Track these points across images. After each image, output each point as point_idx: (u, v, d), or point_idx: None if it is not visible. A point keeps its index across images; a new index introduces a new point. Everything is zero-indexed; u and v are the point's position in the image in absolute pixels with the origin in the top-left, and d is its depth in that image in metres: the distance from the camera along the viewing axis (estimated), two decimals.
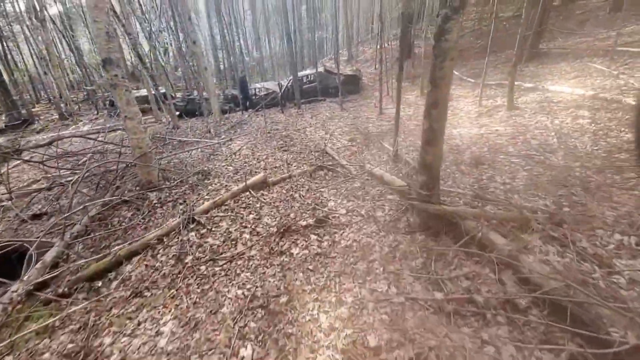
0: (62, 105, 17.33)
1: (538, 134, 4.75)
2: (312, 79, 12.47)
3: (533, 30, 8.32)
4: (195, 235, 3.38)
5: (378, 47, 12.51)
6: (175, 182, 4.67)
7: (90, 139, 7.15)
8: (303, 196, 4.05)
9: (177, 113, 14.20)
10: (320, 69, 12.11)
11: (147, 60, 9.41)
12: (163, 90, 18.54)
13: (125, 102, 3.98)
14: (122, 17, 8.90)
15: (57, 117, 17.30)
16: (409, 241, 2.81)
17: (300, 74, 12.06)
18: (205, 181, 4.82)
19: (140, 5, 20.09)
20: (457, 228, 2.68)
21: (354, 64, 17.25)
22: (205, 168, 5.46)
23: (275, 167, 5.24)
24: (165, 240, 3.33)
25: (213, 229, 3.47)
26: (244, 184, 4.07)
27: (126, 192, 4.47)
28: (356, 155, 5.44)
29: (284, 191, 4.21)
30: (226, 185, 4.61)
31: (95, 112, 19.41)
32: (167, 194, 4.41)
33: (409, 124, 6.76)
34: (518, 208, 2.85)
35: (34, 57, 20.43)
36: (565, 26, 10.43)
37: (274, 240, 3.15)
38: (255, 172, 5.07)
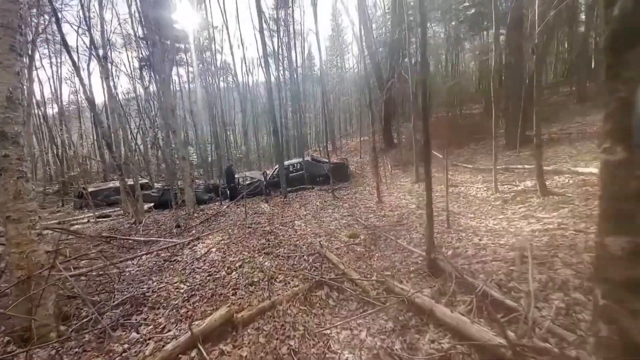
0: None
1: None
2: (298, 167, 11.79)
3: (520, 118, 8.31)
4: None
5: (368, 136, 12.48)
6: (77, 325, 2.72)
7: None
8: (296, 351, 2.24)
9: (152, 204, 12.66)
10: (307, 158, 11.58)
11: (114, 149, 8.36)
12: (144, 181, 17.30)
13: (13, 195, 2.45)
14: (95, 108, 8.23)
15: None
16: None
17: (286, 162, 11.42)
18: (132, 320, 2.91)
19: (137, 101, 20.88)
20: None
21: (339, 154, 17.38)
22: (145, 289, 3.59)
23: (252, 284, 3.48)
24: None
25: None
26: (190, 332, 2.25)
27: None
28: (366, 260, 3.86)
29: (263, 340, 2.39)
30: (162, 330, 2.71)
31: (61, 205, 17.45)
32: None
33: (421, 214, 5.50)
34: None
35: None
36: (541, 115, 10.91)
37: None
38: (220, 296, 3.27)
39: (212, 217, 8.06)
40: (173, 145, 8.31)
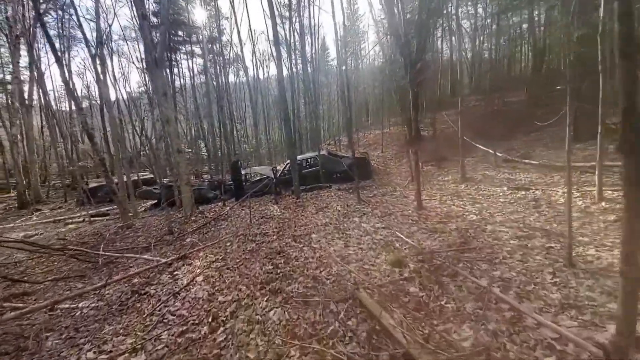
0: (25, 192, 14.67)
1: None
2: (312, 162, 10.24)
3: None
4: None
5: (389, 128, 10.80)
6: None
7: None
8: None
9: (154, 202, 11.47)
10: (323, 152, 10.00)
11: (97, 141, 7.02)
12: (148, 176, 16.09)
13: None
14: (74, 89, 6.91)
15: (17, 205, 14.38)
16: None
17: (299, 157, 9.88)
18: None
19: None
20: None
21: (356, 147, 15.71)
22: None
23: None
24: None
25: None
26: None
27: None
28: (434, 324, 2.28)
29: None
30: None
31: (64, 201, 16.63)
32: None
33: (495, 232, 3.84)
34: None
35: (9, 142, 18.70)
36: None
37: None
38: None
39: (212, 221, 6.65)
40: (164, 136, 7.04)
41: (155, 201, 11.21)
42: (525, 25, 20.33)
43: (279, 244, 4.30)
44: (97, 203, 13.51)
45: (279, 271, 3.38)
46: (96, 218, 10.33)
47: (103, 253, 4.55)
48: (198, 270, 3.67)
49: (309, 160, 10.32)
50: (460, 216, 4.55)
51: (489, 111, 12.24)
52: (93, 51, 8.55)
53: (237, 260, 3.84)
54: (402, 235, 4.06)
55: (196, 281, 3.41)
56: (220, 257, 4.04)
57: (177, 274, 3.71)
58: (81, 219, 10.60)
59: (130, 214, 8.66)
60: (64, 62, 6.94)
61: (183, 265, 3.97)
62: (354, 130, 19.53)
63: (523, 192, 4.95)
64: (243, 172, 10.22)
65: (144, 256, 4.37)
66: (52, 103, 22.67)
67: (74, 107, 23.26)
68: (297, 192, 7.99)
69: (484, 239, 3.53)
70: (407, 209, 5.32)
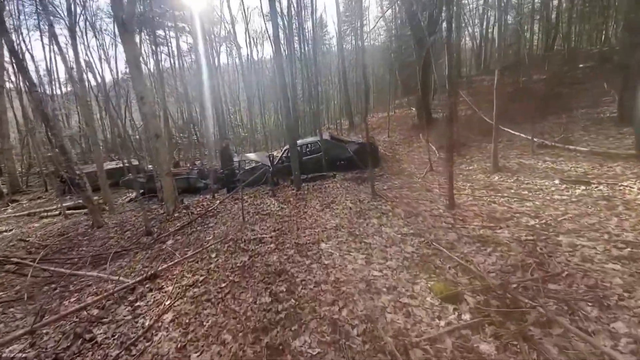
0: None
1: None
2: (313, 148, 9.10)
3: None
4: None
5: (393, 111, 9.64)
6: None
7: None
8: None
9: (141, 191, 10.33)
10: (325, 136, 8.83)
11: (52, 124, 5.75)
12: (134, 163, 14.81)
13: None
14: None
15: None
16: None
17: (299, 142, 8.72)
18: None
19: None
20: None
21: (358, 132, 14.51)
22: None
23: None
24: None
25: None
26: None
27: None
28: None
29: None
30: None
31: (44, 190, 15.33)
32: None
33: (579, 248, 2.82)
34: None
35: None
36: None
37: None
38: None
39: (198, 218, 5.59)
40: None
41: (140, 192, 10.06)
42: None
43: (279, 257, 3.25)
44: (81, 192, 12.28)
45: (280, 307, 2.35)
46: (74, 211, 9.18)
47: (47, 268, 3.48)
48: (168, 302, 2.63)
49: (310, 145, 9.16)
50: (509, 219, 3.53)
51: (508, 91, 11.05)
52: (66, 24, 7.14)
53: (223, 285, 2.80)
54: (442, 248, 3.04)
55: (163, 322, 2.37)
56: (201, 279, 2.99)
57: (139, 306, 2.67)
58: (57, 212, 9.46)
59: (105, 210, 7.55)
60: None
61: (151, 290, 2.93)
62: (355, 114, 18.21)
63: (583, 187, 3.92)
64: (235, 159, 9.06)
65: (102, 274, 3.30)
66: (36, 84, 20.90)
67: (59, 90, 21.39)
68: (297, 183, 6.91)
69: (566, 259, 2.52)
70: (435, 207, 4.28)
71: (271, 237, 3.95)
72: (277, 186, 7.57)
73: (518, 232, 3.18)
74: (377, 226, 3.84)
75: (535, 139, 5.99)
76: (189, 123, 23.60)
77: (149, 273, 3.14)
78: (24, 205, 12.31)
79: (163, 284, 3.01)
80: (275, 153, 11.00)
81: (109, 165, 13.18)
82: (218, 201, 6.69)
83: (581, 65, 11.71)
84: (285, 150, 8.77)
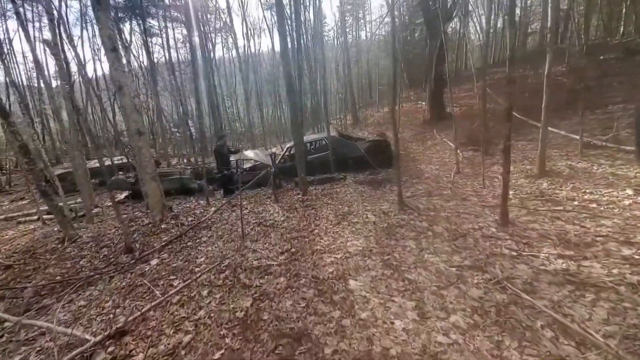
0: None
1: None
2: (319, 146, 8.17)
3: None
4: None
5: (399, 105, 8.75)
6: None
7: None
8: None
9: (125, 195, 9.34)
10: (333, 133, 7.88)
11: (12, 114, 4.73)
12: (120, 161, 13.73)
13: None
14: None
15: None
16: None
17: (304, 139, 7.77)
18: None
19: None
20: None
21: (362, 128, 13.58)
22: None
23: None
24: None
25: None
26: None
27: None
28: None
29: None
30: None
31: (27, 190, 14.23)
32: None
33: None
34: None
35: None
36: None
37: None
38: None
39: (190, 230, 4.68)
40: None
41: (125, 195, 9.08)
42: None
43: (294, 303, 2.36)
44: (66, 193, 11.19)
45: None
46: (53, 216, 8.18)
47: None
48: None
49: (316, 143, 8.23)
50: (591, 244, 2.67)
51: (529, 84, 10.16)
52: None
53: (216, 356, 1.90)
54: (520, 292, 2.17)
55: None
56: (186, 339, 2.09)
57: None
58: (36, 217, 8.44)
59: (80, 219, 6.60)
60: None
61: (114, 358, 2.02)
62: (357, 108, 17.19)
63: None
64: (232, 158, 8.09)
65: (51, 324, 2.38)
66: (23, 78, 19.62)
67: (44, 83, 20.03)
68: (303, 187, 6.00)
69: None
70: (483, 223, 3.40)
71: (279, 265, 3.06)
72: (280, 189, 6.67)
73: (615, 267, 2.32)
74: (417, 252, 2.96)
75: (578, 137, 5.11)
76: (184, 117, 22.44)
77: (114, 328, 2.22)
78: (4, 207, 11.24)
79: (132, 346, 2.11)
80: (275, 150, 10.06)
81: (96, 164, 12.11)
82: (213, 208, 5.76)
83: (601, 57, 10.84)
84: (288, 149, 7.83)
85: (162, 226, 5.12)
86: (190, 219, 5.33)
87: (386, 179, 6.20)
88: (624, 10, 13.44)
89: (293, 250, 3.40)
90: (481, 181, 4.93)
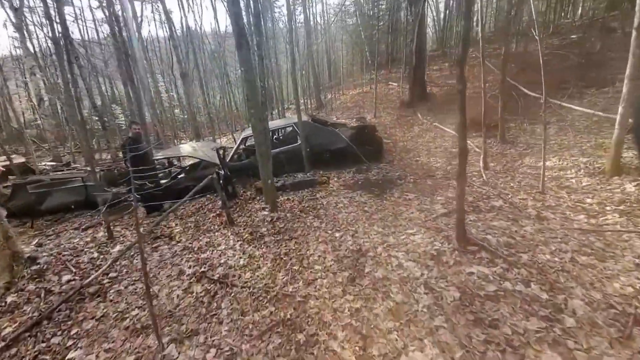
0: None
1: None
2: (286, 136, 6.05)
3: None
4: None
5: (371, 86, 7.14)
6: None
7: None
8: None
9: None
10: (305, 118, 5.75)
11: None
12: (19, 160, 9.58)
13: None
14: None
15: None
16: None
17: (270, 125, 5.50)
18: None
19: None
20: None
21: (329, 112, 11.63)
22: None
23: None
24: None
25: None
26: None
27: None
28: None
29: None
30: None
31: None
32: None
33: None
34: None
35: None
36: None
37: None
38: None
39: (60, 307, 2.29)
40: None
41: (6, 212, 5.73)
42: None
43: None
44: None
45: None
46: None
47: None
48: None
49: (280, 131, 6.07)
50: None
51: (532, 59, 9.18)
52: None
53: None
54: None
55: None
56: None
57: None
58: None
59: None
60: None
61: None
62: (322, 91, 15.08)
63: None
64: (160, 155, 5.46)
65: None
66: None
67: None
68: (270, 199, 3.89)
69: None
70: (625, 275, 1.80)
71: None
72: (233, 199, 4.46)
73: None
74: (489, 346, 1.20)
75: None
76: (110, 104, 17.61)
77: None
78: None
79: None
80: (224, 142, 7.64)
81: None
82: (118, 247, 3.33)
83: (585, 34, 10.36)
84: (243, 140, 5.54)
85: (8, 300, 2.59)
86: (66, 277, 2.86)
87: (386, 179, 4.43)
88: None
89: None
90: (526, 181, 3.44)
